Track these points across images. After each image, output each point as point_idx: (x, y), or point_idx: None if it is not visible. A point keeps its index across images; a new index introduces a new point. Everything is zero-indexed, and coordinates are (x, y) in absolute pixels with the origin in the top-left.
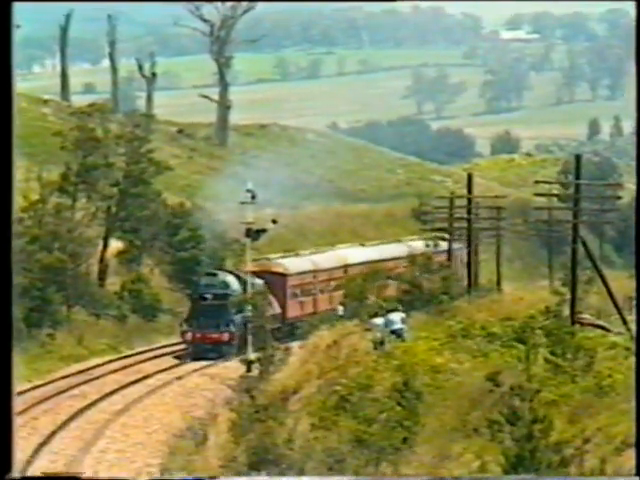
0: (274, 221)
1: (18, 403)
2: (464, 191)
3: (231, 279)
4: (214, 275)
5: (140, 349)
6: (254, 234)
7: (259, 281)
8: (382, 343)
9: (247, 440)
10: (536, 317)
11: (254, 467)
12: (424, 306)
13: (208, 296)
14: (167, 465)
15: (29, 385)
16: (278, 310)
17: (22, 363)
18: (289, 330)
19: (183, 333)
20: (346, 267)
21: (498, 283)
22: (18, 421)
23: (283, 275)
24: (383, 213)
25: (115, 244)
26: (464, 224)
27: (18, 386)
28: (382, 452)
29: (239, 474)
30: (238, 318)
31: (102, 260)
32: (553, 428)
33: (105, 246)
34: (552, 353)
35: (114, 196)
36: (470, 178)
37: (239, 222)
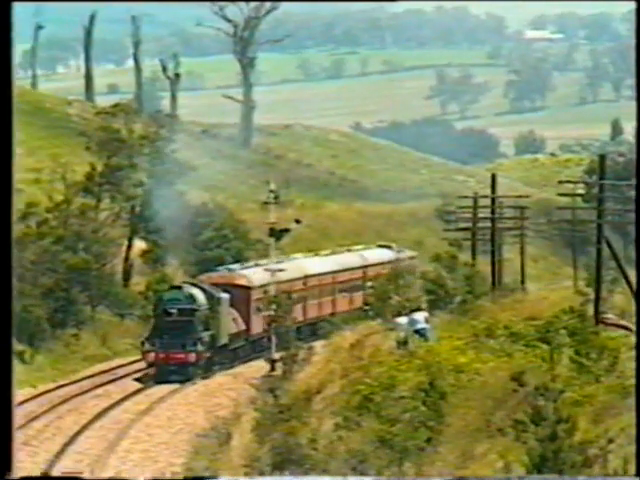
0: (297, 221)
1: (43, 403)
2: (487, 191)
3: (197, 292)
4: (179, 288)
5: None
6: (277, 234)
7: (225, 295)
8: (405, 343)
9: (271, 440)
10: (560, 317)
11: (278, 467)
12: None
13: (173, 311)
14: (191, 465)
15: (53, 385)
16: (243, 327)
17: (47, 363)
18: (252, 347)
19: (145, 353)
20: (305, 278)
21: (522, 283)
22: (42, 421)
23: (247, 288)
24: (406, 213)
25: (139, 244)
26: (488, 224)
27: (43, 386)
28: (405, 452)
29: (262, 474)
30: (205, 336)
31: (126, 260)
32: (577, 428)
33: (129, 246)
34: (576, 353)
35: (138, 196)
36: (494, 178)
37: (263, 222)
